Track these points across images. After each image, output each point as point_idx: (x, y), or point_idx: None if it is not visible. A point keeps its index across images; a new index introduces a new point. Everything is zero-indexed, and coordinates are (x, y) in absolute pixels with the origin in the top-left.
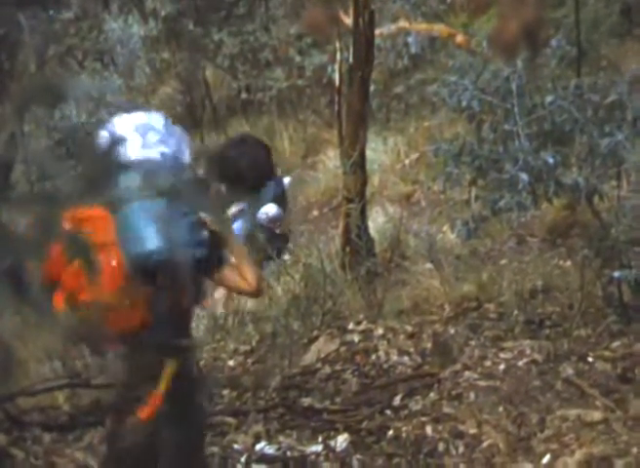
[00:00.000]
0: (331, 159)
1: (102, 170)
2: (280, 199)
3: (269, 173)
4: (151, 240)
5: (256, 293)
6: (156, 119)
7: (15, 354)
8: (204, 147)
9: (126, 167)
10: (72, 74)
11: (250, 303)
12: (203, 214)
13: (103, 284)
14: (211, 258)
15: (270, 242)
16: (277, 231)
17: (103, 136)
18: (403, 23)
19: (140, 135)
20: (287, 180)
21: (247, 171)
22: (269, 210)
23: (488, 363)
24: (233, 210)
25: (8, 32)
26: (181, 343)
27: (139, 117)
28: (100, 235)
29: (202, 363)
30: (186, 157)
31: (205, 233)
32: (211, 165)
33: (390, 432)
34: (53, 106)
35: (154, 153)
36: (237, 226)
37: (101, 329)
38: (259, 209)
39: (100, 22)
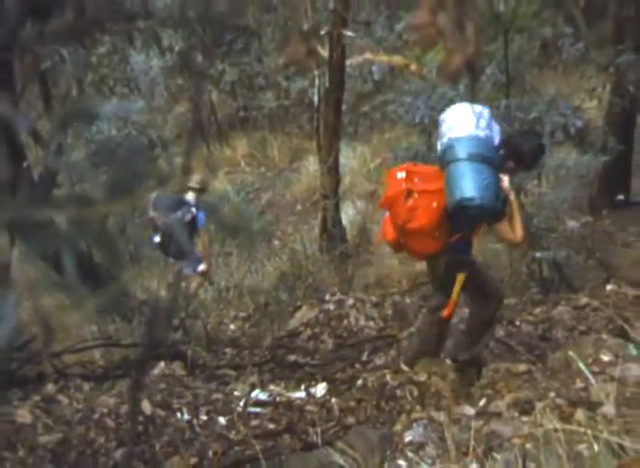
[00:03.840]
0: (311, 164)
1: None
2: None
3: (542, 155)
4: (469, 190)
5: (519, 244)
6: (485, 112)
7: (52, 325)
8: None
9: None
10: (105, 97)
11: (246, 280)
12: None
13: (425, 218)
14: (502, 210)
15: None
16: None
17: (441, 118)
18: (368, 55)
19: (476, 118)
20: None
21: (527, 153)
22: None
23: None
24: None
25: (54, 64)
26: (467, 259)
27: (475, 107)
28: (430, 185)
29: (209, 326)
30: (497, 140)
31: (502, 192)
32: (506, 146)
33: (359, 381)
34: (89, 123)
35: (481, 133)
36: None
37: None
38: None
39: (127, 56)
